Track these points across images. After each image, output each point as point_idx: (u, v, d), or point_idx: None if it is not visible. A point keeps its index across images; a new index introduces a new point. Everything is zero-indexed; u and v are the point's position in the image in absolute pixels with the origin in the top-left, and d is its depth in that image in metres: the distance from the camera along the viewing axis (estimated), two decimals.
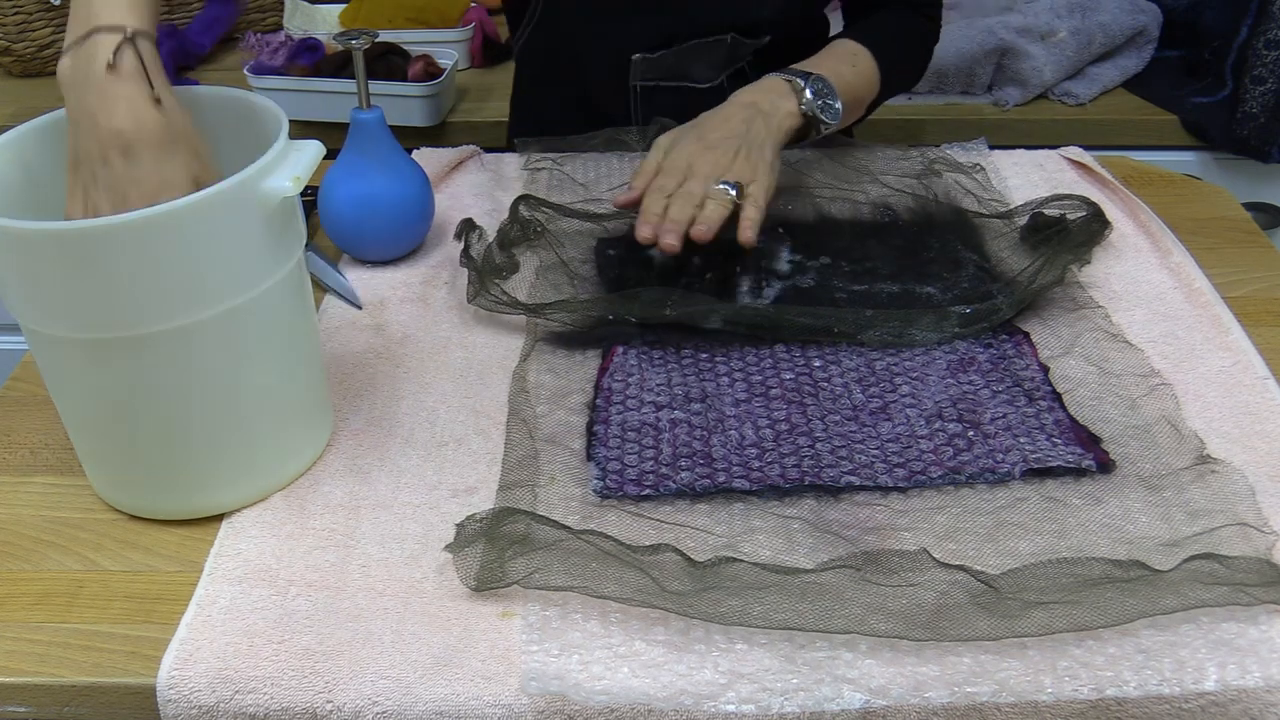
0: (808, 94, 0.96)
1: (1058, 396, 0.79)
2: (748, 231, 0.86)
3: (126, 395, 0.67)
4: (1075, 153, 1.13)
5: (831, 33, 1.14)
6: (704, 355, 0.84)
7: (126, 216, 0.60)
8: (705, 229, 0.83)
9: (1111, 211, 1.01)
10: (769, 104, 0.95)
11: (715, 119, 0.94)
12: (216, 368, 0.67)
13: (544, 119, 1.19)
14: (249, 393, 0.70)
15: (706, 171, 0.88)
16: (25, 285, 0.63)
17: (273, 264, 0.67)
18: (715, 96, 1.05)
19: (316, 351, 0.77)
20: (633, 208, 0.92)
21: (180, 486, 0.71)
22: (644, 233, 0.85)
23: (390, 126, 0.94)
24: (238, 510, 0.72)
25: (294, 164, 0.65)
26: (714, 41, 1.07)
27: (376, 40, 0.96)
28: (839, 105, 0.98)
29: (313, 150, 0.67)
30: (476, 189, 1.08)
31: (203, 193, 0.61)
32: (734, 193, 0.86)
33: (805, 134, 0.99)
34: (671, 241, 0.84)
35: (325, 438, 0.78)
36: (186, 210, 0.61)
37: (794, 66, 1.00)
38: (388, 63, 1.51)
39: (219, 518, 0.72)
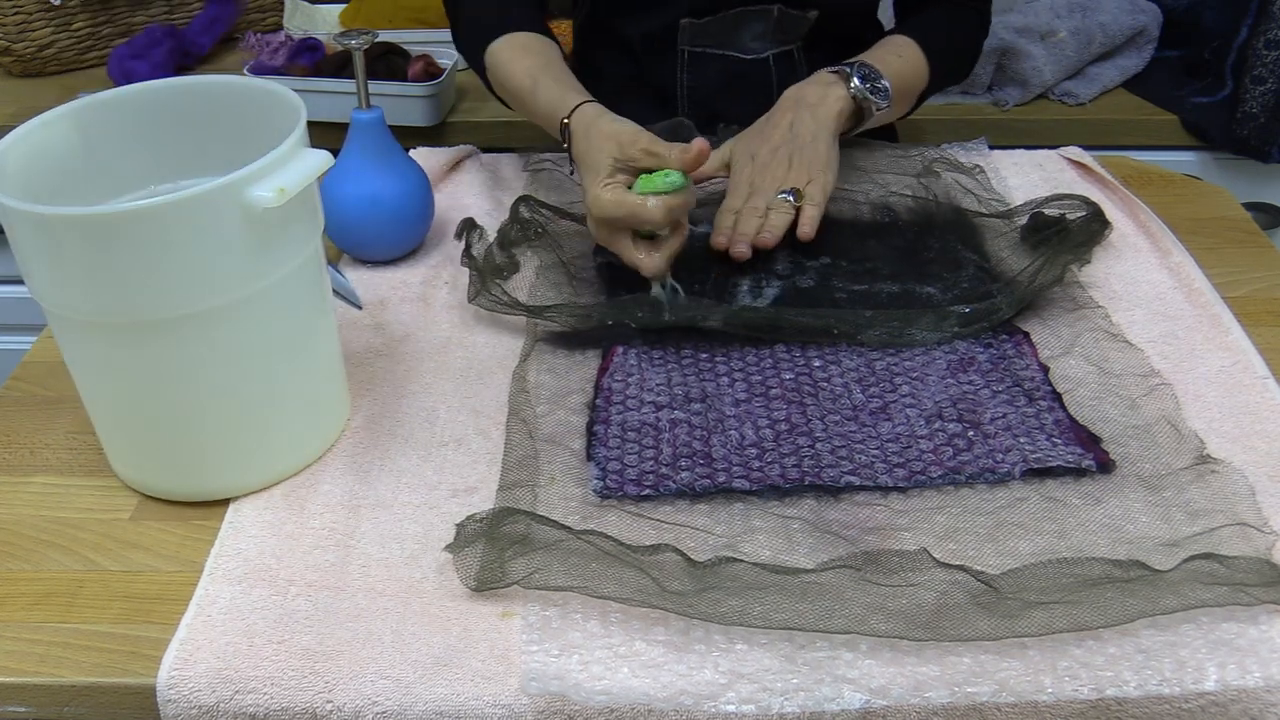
0: (855, 80, 0.99)
1: (1058, 396, 0.79)
2: (805, 227, 0.92)
3: (135, 377, 0.68)
4: (1075, 153, 1.13)
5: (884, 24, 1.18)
6: (704, 355, 0.84)
7: (120, 207, 0.61)
8: (770, 236, 0.91)
9: (1111, 211, 1.01)
10: (815, 94, 0.99)
11: (763, 132, 0.98)
12: (225, 356, 0.68)
13: (597, 91, 1.21)
14: (258, 381, 0.71)
15: (766, 187, 0.95)
16: (41, 267, 0.65)
17: (277, 259, 0.67)
18: (760, 69, 1.10)
19: (332, 341, 0.77)
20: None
21: (193, 468, 0.72)
22: (718, 241, 0.93)
23: (390, 126, 0.94)
24: (245, 499, 0.73)
25: (288, 173, 0.65)
26: (760, 10, 1.08)
27: (376, 40, 0.96)
28: (887, 84, 1.00)
29: (313, 160, 0.66)
30: (476, 189, 1.08)
31: (194, 190, 0.62)
32: (792, 199, 0.93)
33: (860, 119, 1.01)
34: (742, 249, 0.91)
35: (340, 426, 0.79)
36: (173, 206, 0.61)
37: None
38: (388, 63, 1.51)
39: (219, 517, 0.72)
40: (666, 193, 0.83)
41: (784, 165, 0.96)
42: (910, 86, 1.06)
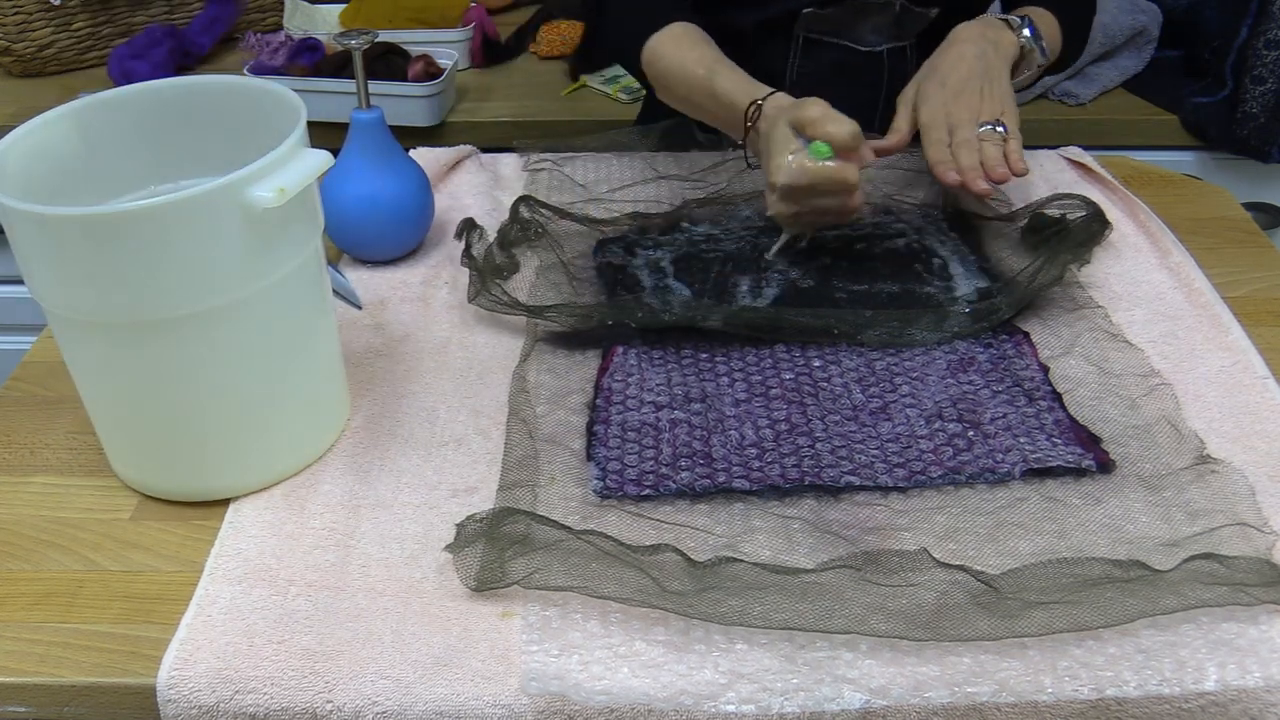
0: (1026, 31, 1.01)
1: (1058, 396, 0.79)
2: (1021, 163, 0.92)
3: (135, 377, 0.68)
4: (1075, 153, 1.13)
5: None
6: (704, 355, 0.84)
7: (120, 207, 0.61)
8: (1001, 170, 0.91)
9: (1111, 211, 1.01)
10: (993, 33, 1.00)
11: (948, 61, 0.98)
12: (225, 356, 0.68)
13: None
14: (258, 381, 0.71)
15: (966, 117, 0.94)
16: (41, 267, 0.65)
17: (277, 259, 0.67)
18: (873, 62, 1.12)
19: (332, 341, 0.77)
20: (882, 154, 0.98)
21: (193, 468, 0.72)
22: (951, 178, 0.91)
23: (390, 126, 0.94)
24: (245, 499, 0.73)
25: (288, 173, 0.65)
26: (884, 4, 1.09)
27: (376, 40, 0.96)
28: (1046, 44, 1.02)
29: (313, 160, 0.66)
30: (476, 189, 1.08)
31: (194, 190, 0.62)
32: (1004, 130, 0.93)
33: (1016, 70, 1.02)
34: (984, 185, 0.90)
35: (340, 426, 0.79)
36: (173, 206, 0.61)
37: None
38: (388, 63, 1.51)
39: (219, 517, 0.72)
40: (830, 158, 0.85)
41: (976, 96, 0.95)
42: (1051, 56, 1.07)
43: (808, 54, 1.12)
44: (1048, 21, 1.07)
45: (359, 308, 0.92)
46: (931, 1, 1.10)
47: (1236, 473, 0.72)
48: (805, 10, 1.09)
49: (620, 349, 0.85)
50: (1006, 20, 1.01)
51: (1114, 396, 0.80)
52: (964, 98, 0.95)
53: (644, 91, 1.34)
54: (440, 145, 1.15)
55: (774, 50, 1.13)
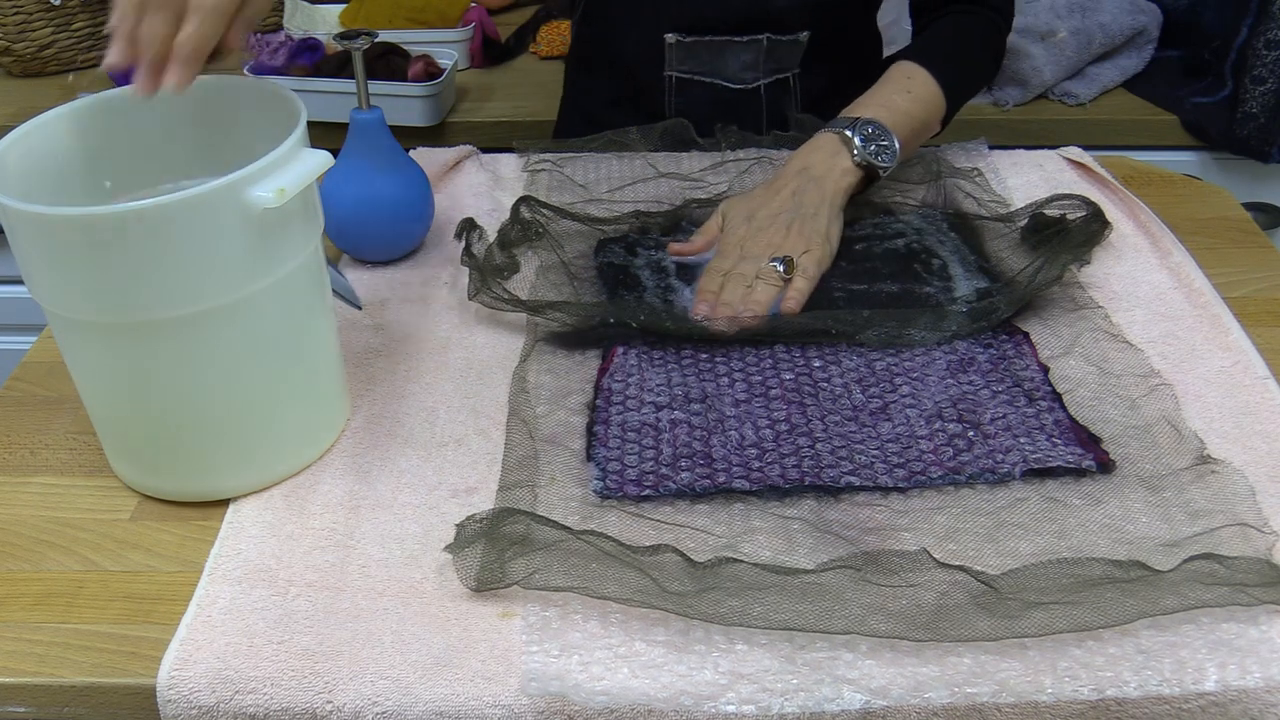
0: (857, 142, 0.95)
1: (1058, 396, 0.79)
2: (790, 301, 0.87)
3: (135, 377, 0.68)
4: (1075, 153, 1.13)
5: (884, 27, 1.16)
6: (704, 355, 0.84)
7: (120, 207, 0.61)
8: (748, 316, 0.85)
9: (1111, 211, 1.01)
10: (821, 167, 0.95)
11: (765, 193, 0.95)
12: (226, 356, 0.68)
13: (589, 113, 1.22)
14: (258, 381, 0.70)
15: (758, 252, 0.90)
16: (41, 267, 0.65)
17: (277, 259, 0.67)
18: (750, 99, 1.09)
19: (332, 341, 0.77)
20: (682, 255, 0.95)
21: (193, 468, 0.72)
22: (701, 310, 0.86)
23: (390, 126, 0.94)
24: (245, 499, 0.73)
25: (288, 173, 0.65)
26: (749, 42, 1.07)
27: (376, 40, 0.96)
28: (895, 145, 0.96)
29: (313, 160, 0.66)
30: (476, 189, 1.08)
31: (194, 190, 0.61)
32: (782, 269, 0.88)
33: (871, 180, 0.98)
34: (722, 327, 0.85)
35: (340, 426, 0.79)
36: (173, 206, 0.61)
37: (844, 112, 0.99)
38: (388, 63, 1.51)
39: (219, 517, 0.72)
40: None
41: (781, 231, 0.91)
42: (924, 121, 1.02)
43: (682, 93, 1.12)
44: (915, 87, 1.00)
45: (359, 308, 0.92)
46: (799, 26, 1.07)
47: (1236, 473, 0.72)
48: (670, 38, 1.08)
49: (620, 349, 0.85)
50: (840, 134, 0.95)
51: (1114, 396, 0.80)
52: (765, 234, 0.91)
53: None
54: (440, 145, 1.15)
55: (652, 90, 1.14)
